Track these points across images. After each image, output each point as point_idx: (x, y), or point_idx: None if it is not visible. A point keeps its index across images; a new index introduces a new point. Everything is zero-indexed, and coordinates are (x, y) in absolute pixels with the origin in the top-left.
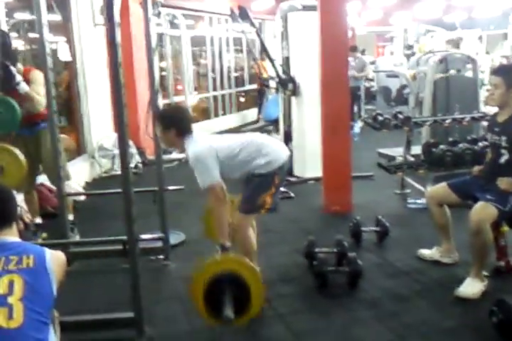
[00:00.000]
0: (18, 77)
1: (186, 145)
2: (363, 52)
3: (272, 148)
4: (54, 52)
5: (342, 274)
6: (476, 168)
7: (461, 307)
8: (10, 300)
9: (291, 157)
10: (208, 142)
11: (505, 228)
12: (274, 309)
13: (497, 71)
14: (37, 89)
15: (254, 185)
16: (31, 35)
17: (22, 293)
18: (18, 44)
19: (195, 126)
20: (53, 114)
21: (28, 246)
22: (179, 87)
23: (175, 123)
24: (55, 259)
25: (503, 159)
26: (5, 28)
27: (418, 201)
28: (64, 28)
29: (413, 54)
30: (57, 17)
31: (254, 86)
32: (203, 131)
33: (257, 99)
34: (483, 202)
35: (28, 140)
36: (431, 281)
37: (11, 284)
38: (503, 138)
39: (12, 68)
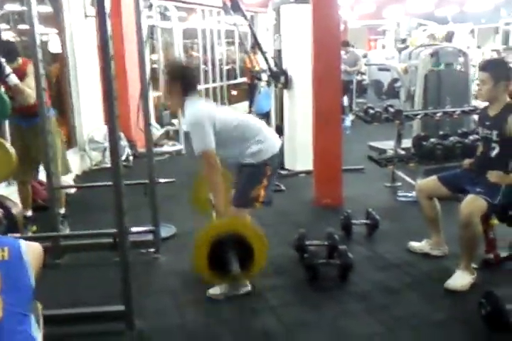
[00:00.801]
0: (8, 70)
1: (186, 105)
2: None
3: (266, 136)
4: (44, 44)
5: (333, 267)
6: (467, 161)
7: (450, 300)
8: None
9: (281, 150)
10: (207, 108)
11: (495, 221)
12: (266, 301)
13: (484, 66)
14: (30, 81)
15: (245, 176)
16: (21, 26)
17: None
18: (8, 35)
19: None
20: (43, 106)
21: (2, 238)
22: None
23: (183, 76)
24: (30, 251)
25: (493, 153)
26: None
27: (408, 194)
28: (54, 20)
29: (406, 47)
30: (47, 8)
31: (245, 79)
32: None
33: (248, 92)
34: (473, 195)
35: (25, 131)
36: (421, 274)
37: None
38: (495, 132)
39: (1, 60)
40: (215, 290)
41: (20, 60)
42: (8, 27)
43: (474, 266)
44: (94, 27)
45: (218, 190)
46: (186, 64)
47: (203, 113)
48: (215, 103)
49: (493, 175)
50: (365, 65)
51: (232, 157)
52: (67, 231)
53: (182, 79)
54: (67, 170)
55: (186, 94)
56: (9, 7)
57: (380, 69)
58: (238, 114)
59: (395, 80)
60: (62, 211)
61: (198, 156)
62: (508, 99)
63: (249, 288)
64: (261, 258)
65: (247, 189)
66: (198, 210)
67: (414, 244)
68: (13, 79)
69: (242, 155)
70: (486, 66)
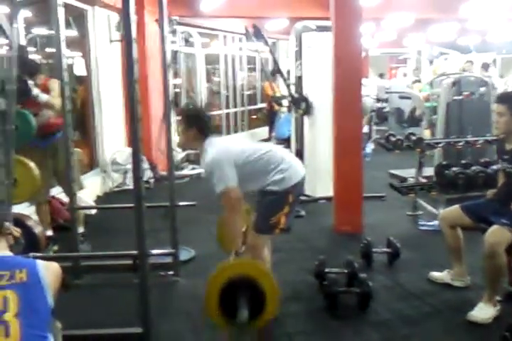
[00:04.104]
0: (35, 90)
1: (204, 148)
2: (381, 75)
3: (290, 165)
4: (70, 66)
5: (352, 295)
6: (490, 192)
7: (472, 332)
8: (5, 317)
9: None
10: (226, 146)
11: None
12: (283, 327)
13: (501, 98)
14: (55, 96)
15: (267, 202)
16: (48, 49)
17: (17, 309)
18: (34, 58)
19: None
20: (68, 128)
21: (20, 259)
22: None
23: (197, 123)
24: (49, 271)
25: None
26: (23, 42)
27: (430, 223)
28: (80, 44)
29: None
30: (74, 32)
31: (265, 105)
32: None
33: (267, 117)
34: (498, 226)
35: (43, 151)
36: (442, 304)
37: (5, 301)
38: None
39: (29, 82)
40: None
41: (42, 77)
42: (35, 49)
43: (498, 298)
44: (119, 51)
45: (235, 229)
46: (199, 109)
47: (221, 153)
48: (235, 132)
49: None
50: (387, 92)
51: (256, 188)
52: (88, 250)
53: (196, 126)
54: (79, 187)
55: (203, 139)
56: (37, 31)
57: (401, 97)
58: (261, 144)
59: (416, 108)
60: (82, 230)
61: (219, 198)
62: None
63: None
64: (272, 304)
65: (269, 215)
66: (223, 248)
67: (436, 274)
68: (43, 96)
69: (266, 184)
70: (504, 98)
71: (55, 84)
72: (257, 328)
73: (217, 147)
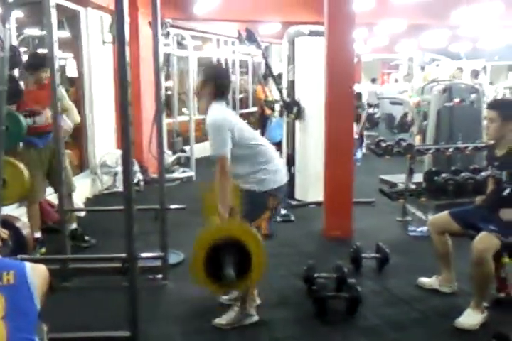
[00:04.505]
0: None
1: (211, 108)
2: (373, 81)
3: (277, 168)
4: (62, 68)
5: (341, 300)
6: (479, 198)
7: (459, 338)
8: None
9: (292, 180)
10: (232, 116)
11: (507, 259)
12: (271, 333)
13: (493, 105)
14: (67, 102)
15: (247, 206)
16: (40, 50)
17: (4, 311)
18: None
19: (198, 146)
20: (59, 130)
21: (7, 261)
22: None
23: (217, 78)
24: (36, 273)
25: (505, 192)
26: (15, 43)
27: (419, 229)
28: (72, 45)
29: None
30: (66, 33)
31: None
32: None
33: (259, 121)
34: (486, 233)
35: (42, 150)
36: (430, 310)
37: None
38: (504, 172)
39: (20, 83)
40: (221, 320)
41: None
42: (26, 50)
43: (485, 304)
44: (111, 53)
45: (225, 192)
46: (224, 68)
47: (225, 119)
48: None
49: (507, 214)
50: (378, 98)
51: (237, 175)
52: (93, 242)
53: (215, 82)
54: (71, 188)
55: (215, 97)
56: (29, 31)
57: (392, 103)
58: (258, 135)
59: (407, 114)
60: (75, 226)
61: (213, 159)
62: None
63: (255, 318)
64: (259, 265)
65: (250, 220)
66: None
67: (424, 280)
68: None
69: (247, 178)
70: (495, 105)
71: (60, 92)
72: (243, 290)
73: (224, 112)
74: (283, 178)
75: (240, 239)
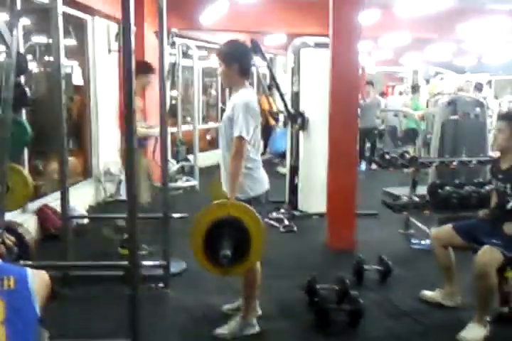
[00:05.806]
0: None
1: (240, 90)
2: (381, 95)
3: (260, 176)
4: (68, 75)
5: (343, 312)
6: (482, 212)
7: None
8: None
9: (296, 191)
10: (256, 103)
11: (510, 273)
12: None
13: (503, 116)
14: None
15: None
16: (46, 58)
17: (3, 316)
18: (32, 66)
19: (202, 156)
20: (63, 136)
21: (9, 266)
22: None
23: (241, 60)
24: (37, 279)
25: (509, 205)
26: (21, 50)
27: (422, 242)
28: (79, 53)
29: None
30: (72, 41)
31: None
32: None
33: (263, 132)
34: (489, 247)
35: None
36: (432, 323)
37: None
38: (508, 185)
39: (26, 89)
40: (223, 330)
41: None
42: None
43: (488, 318)
44: (117, 61)
45: (235, 175)
46: (239, 43)
47: (253, 103)
48: None
49: (510, 228)
50: (382, 111)
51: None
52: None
53: (238, 62)
54: None
55: (242, 78)
56: (36, 39)
57: (396, 116)
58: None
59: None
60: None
61: (231, 139)
62: None
63: (257, 328)
64: (257, 247)
65: None
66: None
67: (427, 293)
68: None
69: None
70: (506, 116)
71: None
72: (242, 271)
73: (252, 96)
74: (264, 186)
75: (240, 218)
